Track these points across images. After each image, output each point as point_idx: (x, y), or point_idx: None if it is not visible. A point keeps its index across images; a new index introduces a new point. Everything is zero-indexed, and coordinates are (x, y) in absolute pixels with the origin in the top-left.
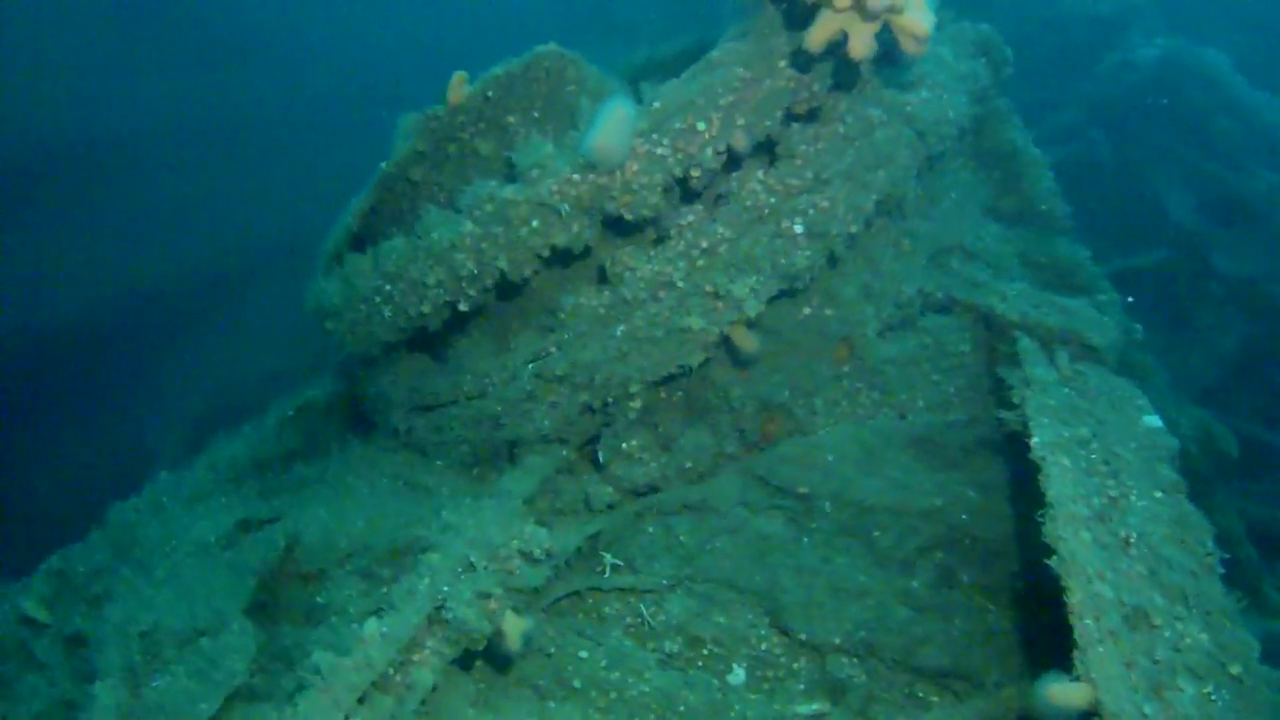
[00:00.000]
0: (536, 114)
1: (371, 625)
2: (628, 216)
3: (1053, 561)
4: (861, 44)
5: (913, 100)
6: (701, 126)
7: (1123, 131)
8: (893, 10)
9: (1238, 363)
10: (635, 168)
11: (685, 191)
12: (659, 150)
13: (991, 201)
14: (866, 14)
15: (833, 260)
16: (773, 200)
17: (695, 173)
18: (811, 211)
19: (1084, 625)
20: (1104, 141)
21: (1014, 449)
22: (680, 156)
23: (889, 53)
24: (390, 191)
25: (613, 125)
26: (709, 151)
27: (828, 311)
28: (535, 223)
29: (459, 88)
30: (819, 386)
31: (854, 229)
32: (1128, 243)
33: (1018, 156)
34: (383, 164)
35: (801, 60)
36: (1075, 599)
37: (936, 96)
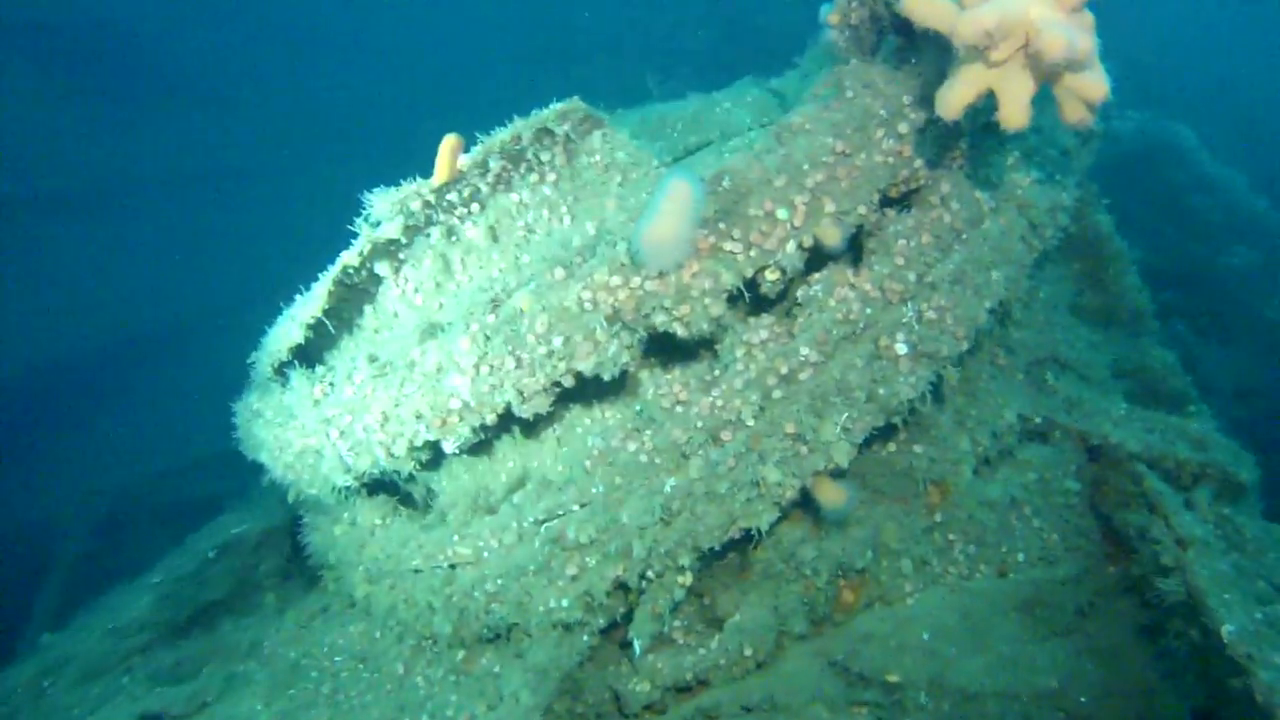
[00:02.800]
0: (550, 191)
1: None
2: (682, 333)
3: None
4: (1020, 109)
5: (1023, 182)
6: (783, 215)
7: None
8: (1072, 66)
9: None
10: (695, 268)
11: (755, 299)
12: (727, 245)
13: (1073, 297)
14: (1041, 69)
15: (939, 386)
16: (868, 311)
17: (772, 274)
18: (917, 325)
19: None
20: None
21: (1133, 602)
22: (754, 254)
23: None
24: (351, 289)
25: (673, 211)
26: (791, 246)
27: (916, 448)
28: (557, 341)
29: (451, 155)
30: (907, 543)
31: (965, 346)
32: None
33: (1104, 246)
34: (343, 255)
35: (897, 126)
36: None
37: (1048, 176)
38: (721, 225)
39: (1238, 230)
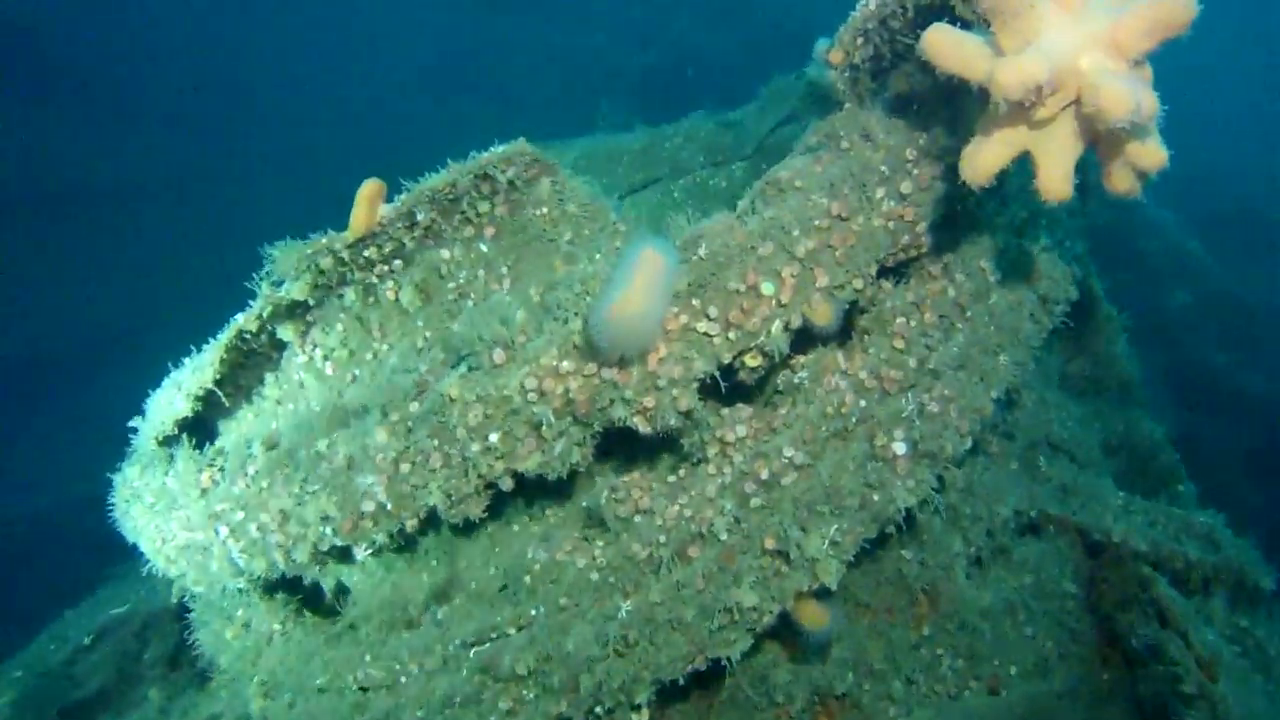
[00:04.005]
0: (487, 248)
1: None
2: (645, 429)
3: None
4: (1063, 178)
5: (1031, 248)
6: (768, 289)
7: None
8: (1134, 130)
9: None
10: (663, 352)
11: (731, 387)
12: (701, 325)
13: (1061, 365)
14: (1094, 131)
15: (939, 489)
16: (862, 403)
17: (753, 360)
18: (917, 420)
19: None
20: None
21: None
22: (734, 335)
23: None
24: (248, 356)
25: (642, 285)
26: (777, 327)
27: (905, 552)
28: (493, 436)
29: (370, 204)
30: (895, 662)
31: (969, 443)
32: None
33: (1095, 311)
34: (238, 317)
35: (899, 185)
36: None
37: (1056, 242)
38: (695, 301)
39: (1177, 273)
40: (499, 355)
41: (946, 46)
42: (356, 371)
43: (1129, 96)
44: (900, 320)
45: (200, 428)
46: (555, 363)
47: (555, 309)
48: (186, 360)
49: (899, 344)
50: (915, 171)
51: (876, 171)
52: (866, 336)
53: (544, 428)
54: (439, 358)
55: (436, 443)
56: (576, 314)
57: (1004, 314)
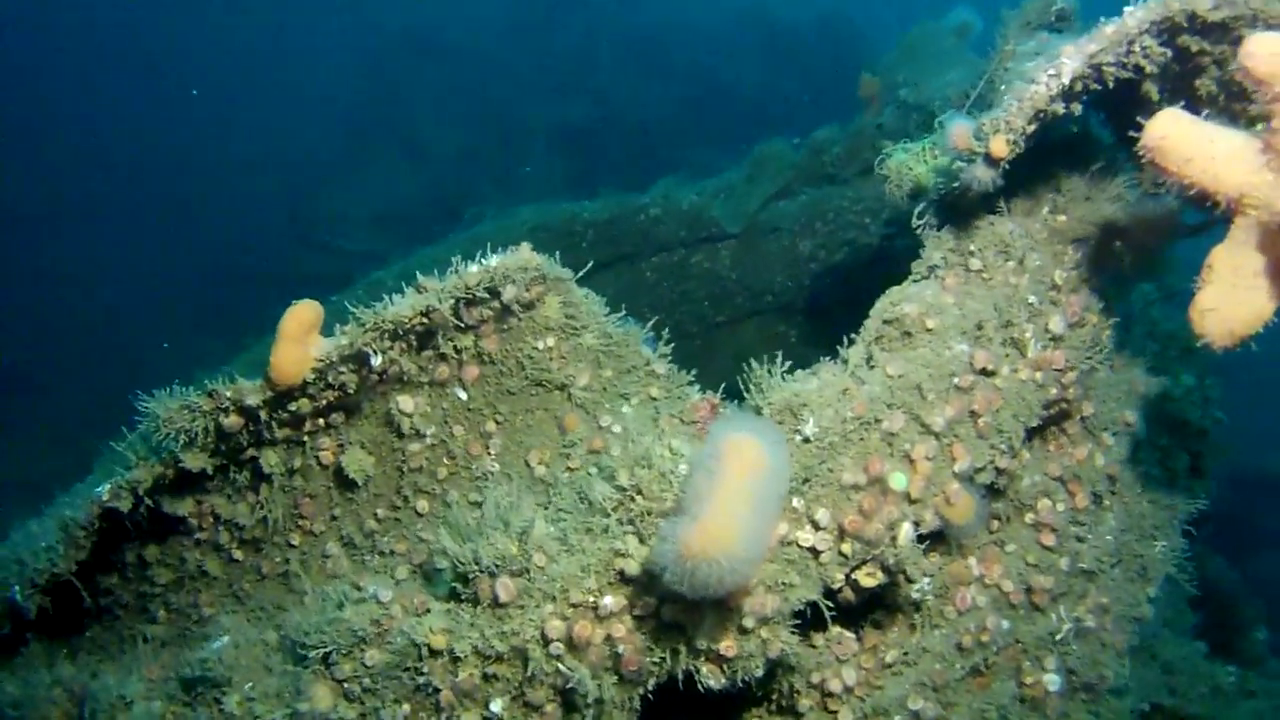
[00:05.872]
0: (468, 395)
1: None
2: (717, 683)
3: None
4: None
5: (1175, 392)
6: (898, 482)
7: None
8: None
9: None
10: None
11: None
12: (805, 536)
13: None
14: None
15: None
16: (1005, 624)
17: (869, 578)
18: (1073, 641)
19: None
20: None
21: None
22: (850, 548)
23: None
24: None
25: (738, 493)
26: (906, 532)
27: None
28: (496, 705)
29: (301, 339)
30: None
31: (1127, 668)
32: None
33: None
34: (101, 489)
35: (1049, 321)
36: None
37: (1199, 379)
38: (797, 502)
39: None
40: (504, 588)
41: (1181, 145)
42: (278, 587)
43: None
44: (1045, 504)
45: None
46: (593, 599)
47: (578, 500)
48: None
49: (1047, 539)
50: (1065, 301)
51: (1023, 305)
52: (1002, 526)
53: (576, 693)
54: (403, 572)
55: (408, 712)
56: (619, 518)
57: (1158, 485)
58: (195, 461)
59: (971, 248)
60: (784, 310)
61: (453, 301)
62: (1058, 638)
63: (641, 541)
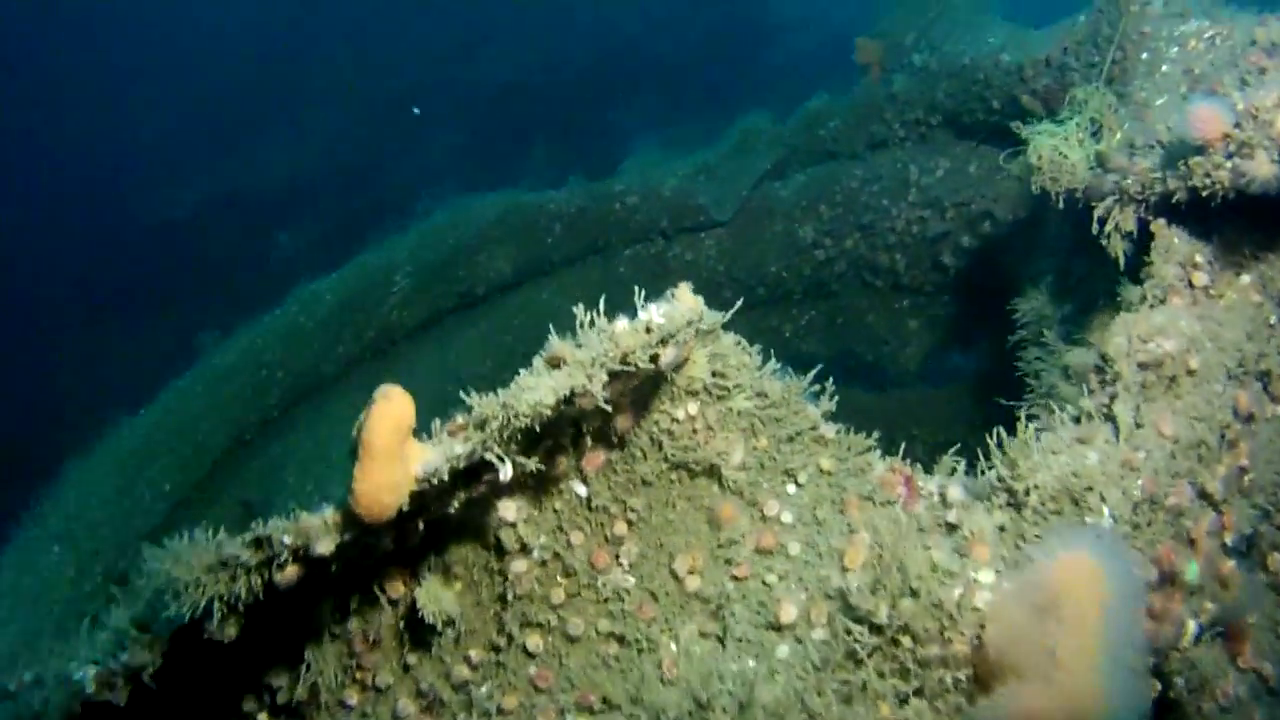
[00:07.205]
0: (588, 490)
1: None
2: None
3: None
4: None
5: None
6: (1192, 574)
7: None
8: None
9: None
10: None
11: None
12: None
13: None
14: None
15: None
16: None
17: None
18: None
19: None
20: None
21: None
22: None
23: None
24: None
25: (1099, 633)
26: (1190, 630)
27: None
28: None
29: (395, 459)
30: None
31: None
32: None
33: None
34: (85, 673)
35: None
36: None
37: None
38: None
39: None
40: None
41: None
42: None
43: None
44: (1275, 559)
45: None
46: None
47: (768, 627)
48: None
49: None
50: None
51: (1266, 327)
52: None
53: None
54: None
55: None
56: (879, 668)
57: None
58: (229, 632)
59: (1197, 259)
60: (778, 303)
61: (605, 379)
62: None
63: (930, 704)
